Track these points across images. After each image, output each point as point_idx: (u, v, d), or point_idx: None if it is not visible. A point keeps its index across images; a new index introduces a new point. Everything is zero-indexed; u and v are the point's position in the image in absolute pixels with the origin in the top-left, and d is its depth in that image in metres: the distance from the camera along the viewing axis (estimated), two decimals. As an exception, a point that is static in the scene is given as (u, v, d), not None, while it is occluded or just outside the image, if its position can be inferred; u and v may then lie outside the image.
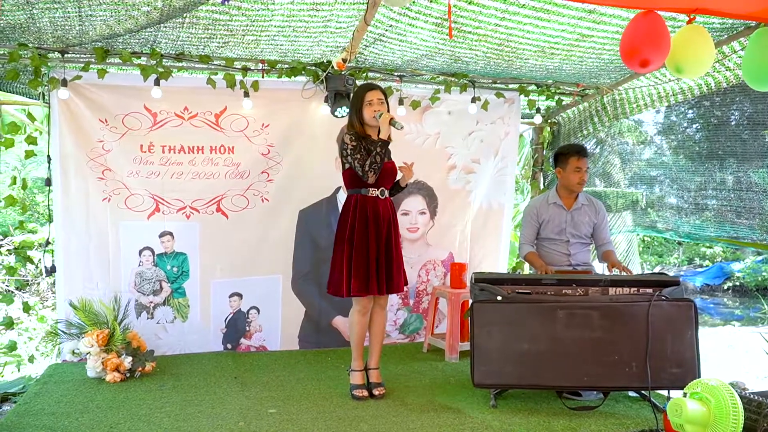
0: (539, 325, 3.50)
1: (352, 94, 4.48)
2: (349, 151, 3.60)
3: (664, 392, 3.57)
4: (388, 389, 3.87)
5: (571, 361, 3.46)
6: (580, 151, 4.24)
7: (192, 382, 4.03)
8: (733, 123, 4.70)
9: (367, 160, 3.55)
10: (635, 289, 3.60)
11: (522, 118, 5.34)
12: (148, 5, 3.41)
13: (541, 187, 5.68)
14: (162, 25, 3.72)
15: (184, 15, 3.61)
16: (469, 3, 3.50)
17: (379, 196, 3.67)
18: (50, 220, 4.33)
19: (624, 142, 5.93)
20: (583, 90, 5.06)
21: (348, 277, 3.58)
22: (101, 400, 3.67)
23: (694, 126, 5.14)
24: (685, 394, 2.90)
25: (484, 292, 3.62)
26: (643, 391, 3.62)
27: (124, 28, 3.74)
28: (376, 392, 3.75)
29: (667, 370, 3.42)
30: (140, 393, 3.81)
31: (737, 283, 11.68)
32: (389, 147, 3.70)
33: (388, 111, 3.69)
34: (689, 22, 2.95)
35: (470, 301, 4.88)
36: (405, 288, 3.85)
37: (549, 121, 5.58)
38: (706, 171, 4.83)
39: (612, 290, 3.60)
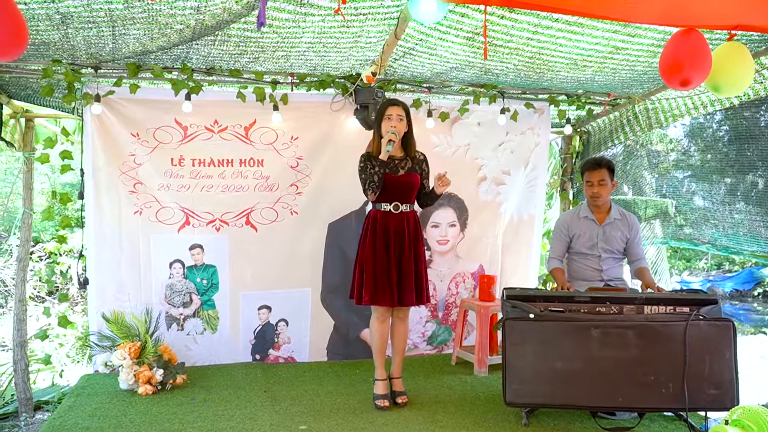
0: (573, 344, 3.46)
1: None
2: (359, 171, 3.80)
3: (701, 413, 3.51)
4: (417, 402, 3.87)
5: (605, 380, 3.41)
6: (588, 163, 4.22)
7: (222, 395, 4.05)
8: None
9: (368, 179, 3.69)
10: (671, 307, 3.54)
11: (552, 127, 5.27)
12: (181, 24, 3.42)
13: (571, 197, 5.61)
14: (194, 42, 3.73)
15: (216, 33, 3.62)
16: (502, 18, 3.46)
17: (392, 210, 3.76)
18: (81, 225, 4.37)
19: (655, 151, 5.85)
20: (614, 100, 4.98)
21: (360, 286, 3.75)
22: (134, 414, 3.70)
23: (730, 137, 5.02)
24: (726, 422, 2.84)
25: (516, 310, 3.58)
26: (680, 412, 3.56)
27: (157, 46, 3.76)
28: (399, 400, 3.84)
29: (705, 391, 3.36)
30: (172, 407, 3.84)
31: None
32: (422, 160, 3.81)
33: (409, 128, 3.80)
34: (729, 38, 2.88)
35: (499, 316, 4.87)
36: (428, 302, 3.92)
37: (578, 130, 5.50)
38: (744, 183, 4.73)
39: (647, 308, 3.54)
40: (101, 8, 3.15)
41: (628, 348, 3.42)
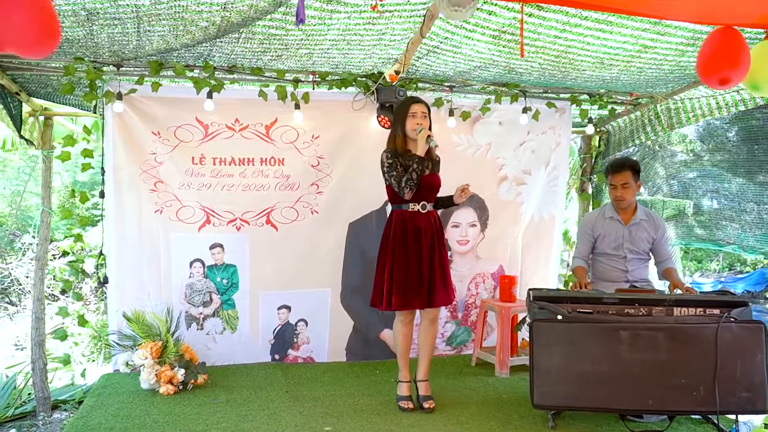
0: (602, 346, 3.42)
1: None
2: (386, 169, 3.66)
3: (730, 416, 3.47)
4: (440, 404, 3.83)
5: (635, 383, 3.37)
6: (613, 166, 4.15)
7: (244, 395, 4.02)
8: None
9: (404, 176, 3.57)
10: (701, 309, 3.49)
11: (573, 127, 5.23)
12: (207, 21, 3.40)
13: (591, 197, 5.57)
14: (218, 39, 3.71)
15: (241, 30, 3.59)
16: (530, 16, 3.43)
17: (420, 210, 3.67)
18: (94, 224, 4.35)
19: (675, 151, 5.80)
20: (636, 99, 4.94)
21: (389, 291, 3.62)
22: (157, 415, 3.67)
23: (754, 137, 4.97)
24: (765, 425, 2.80)
25: (544, 311, 3.55)
26: (709, 415, 3.52)
27: (181, 43, 3.73)
28: (426, 405, 3.75)
29: (736, 394, 3.32)
30: (194, 407, 3.81)
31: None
32: (438, 161, 3.76)
33: (430, 128, 3.70)
34: (767, 37, 2.84)
35: (519, 317, 4.83)
36: (453, 302, 3.84)
37: (598, 130, 5.46)
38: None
39: (677, 310, 3.50)
40: (128, 4, 3.13)
41: (658, 350, 3.38)
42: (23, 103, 4.37)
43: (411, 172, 3.54)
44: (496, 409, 3.87)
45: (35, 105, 4.49)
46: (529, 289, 3.75)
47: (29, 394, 4.84)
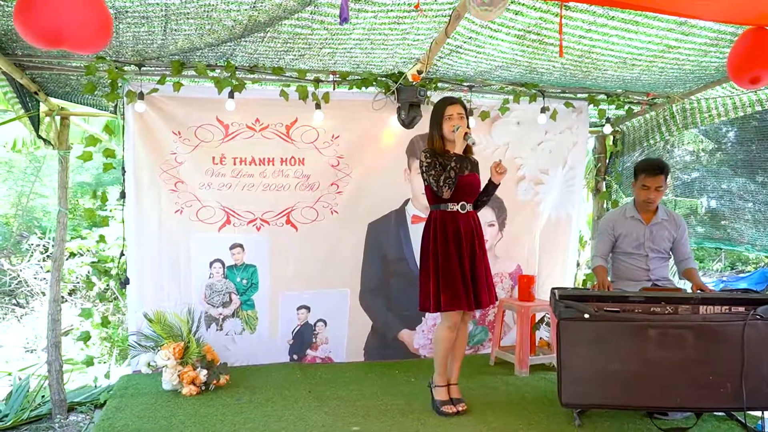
0: (629, 344, 3.43)
1: (426, 106, 4.46)
2: (424, 168, 3.62)
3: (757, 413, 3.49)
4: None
5: (663, 381, 3.38)
6: (650, 169, 4.09)
7: (267, 395, 4.01)
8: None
9: (442, 175, 3.53)
10: (726, 307, 3.51)
11: (589, 127, 5.25)
12: (234, 20, 3.39)
13: (605, 197, 5.58)
14: (242, 39, 3.70)
15: (267, 29, 3.59)
16: (556, 15, 3.44)
17: (459, 210, 3.64)
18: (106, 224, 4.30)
19: (688, 150, 5.83)
20: (652, 99, 4.96)
21: (437, 292, 3.56)
22: (183, 416, 3.66)
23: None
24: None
25: (570, 310, 3.55)
26: (733, 412, 3.54)
27: (205, 42, 3.73)
28: (459, 408, 3.72)
29: (762, 391, 3.34)
30: (219, 407, 3.80)
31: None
32: (476, 163, 3.70)
33: (468, 126, 3.67)
34: (798, 36, 2.86)
35: (537, 316, 4.84)
36: (497, 303, 3.81)
37: (613, 129, 5.48)
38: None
39: (702, 308, 3.52)
40: (158, 3, 3.13)
41: (686, 348, 3.39)
42: (41, 103, 4.34)
43: (449, 170, 3.51)
44: (520, 408, 3.88)
45: (52, 105, 4.47)
46: (553, 288, 3.76)
47: (43, 396, 4.81)
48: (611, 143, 5.53)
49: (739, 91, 4.44)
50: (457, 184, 3.56)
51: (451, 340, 3.67)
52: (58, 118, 4.54)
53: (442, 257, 3.57)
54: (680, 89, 4.68)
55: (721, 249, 9.72)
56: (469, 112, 4.63)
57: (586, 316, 3.49)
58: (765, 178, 5.13)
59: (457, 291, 3.53)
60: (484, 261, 3.68)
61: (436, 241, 3.61)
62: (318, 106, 4.38)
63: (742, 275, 12.52)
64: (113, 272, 4.38)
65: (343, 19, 2.34)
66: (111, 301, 6.89)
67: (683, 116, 4.98)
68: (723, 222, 5.32)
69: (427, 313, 4.77)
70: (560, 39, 2.68)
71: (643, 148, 5.37)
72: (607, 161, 5.57)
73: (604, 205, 5.54)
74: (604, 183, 5.57)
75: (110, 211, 6.70)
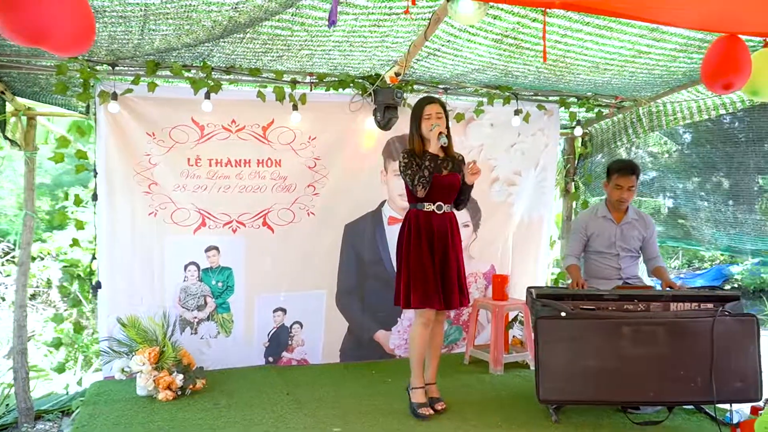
0: (605, 341, 3.53)
1: (402, 108, 4.49)
2: (402, 168, 3.67)
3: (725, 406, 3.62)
4: (442, 402, 3.87)
5: (636, 376, 3.50)
6: (623, 169, 4.22)
7: (245, 399, 3.98)
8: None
9: (417, 175, 3.57)
10: (696, 304, 3.64)
11: (561, 129, 5.37)
12: (214, 21, 3.36)
13: (575, 198, 5.70)
14: (221, 39, 3.67)
15: (246, 30, 3.57)
16: (533, 21, 3.51)
17: (435, 210, 3.67)
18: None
19: (649, 151, 6.00)
20: (620, 102, 5.09)
21: (407, 289, 3.61)
22: (161, 421, 3.61)
23: (730, 138, 5.17)
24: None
25: (547, 308, 3.63)
26: (701, 405, 3.67)
27: (182, 43, 3.68)
28: (438, 407, 3.75)
29: (731, 384, 3.47)
30: (197, 412, 3.76)
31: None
32: (461, 160, 3.75)
33: (447, 125, 3.71)
34: (766, 45, 2.98)
35: (511, 315, 4.92)
36: (469, 305, 3.85)
37: (583, 132, 5.60)
38: (743, 183, 4.89)
39: (673, 306, 3.64)
40: (138, 2, 3.07)
41: (659, 344, 3.51)
42: (7, 103, 4.22)
43: (423, 169, 3.54)
44: (497, 405, 3.94)
45: (18, 105, 4.35)
46: (530, 287, 3.84)
47: (8, 405, 4.68)
48: (580, 145, 5.65)
49: (704, 95, 4.60)
50: (433, 184, 3.59)
51: (426, 338, 3.69)
52: (24, 118, 4.43)
53: (414, 256, 3.61)
54: (648, 93, 4.82)
55: (679, 247, 10.02)
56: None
57: (563, 314, 3.58)
58: (719, 179, 5.33)
59: (427, 290, 3.57)
60: (457, 262, 3.72)
61: (409, 239, 3.65)
62: (295, 108, 4.36)
63: (698, 272, 12.94)
64: (87, 276, 4.28)
65: (332, 22, 2.35)
66: (76, 306, 6.73)
67: (649, 119, 5.13)
68: (681, 221, 5.49)
69: (402, 314, 4.83)
70: (543, 45, 2.73)
71: (611, 150, 5.50)
72: (576, 162, 5.69)
73: (573, 206, 5.65)
74: (572, 184, 5.69)
75: (72, 213, 6.55)
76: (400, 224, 3.80)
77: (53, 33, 1.98)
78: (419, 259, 3.60)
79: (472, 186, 3.76)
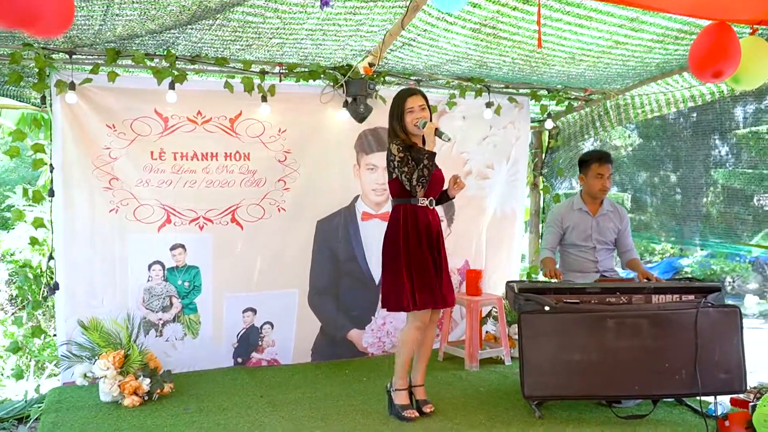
0: (589, 335, 3.48)
1: (374, 100, 4.37)
2: (396, 163, 3.43)
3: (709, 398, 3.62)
4: (422, 401, 3.77)
5: (621, 370, 3.46)
6: (602, 158, 4.24)
7: (216, 403, 3.80)
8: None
9: (415, 173, 3.39)
10: (677, 296, 3.64)
11: (531, 122, 5.34)
12: (182, 6, 3.17)
13: (546, 191, 5.68)
14: (188, 26, 3.48)
15: (216, 17, 3.39)
16: (513, 9, 3.44)
17: (429, 206, 3.52)
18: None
19: (615, 146, 6.05)
20: (589, 95, 5.09)
21: (412, 290, 3.40)
22: (129, 429, 3.41)
23: (689, 132, 5.24)
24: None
25: (530, 303, 3.57)
26: (684, 397, 3.67)
27: (146, 29, 3.48)
28: (426, 409, 3.61)
29: (715, 376, 3.46)
30: (167, 418, 3.56)
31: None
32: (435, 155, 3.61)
33: (431, 119, 3.55)
34: (752, 33, 2.98)
35: (484, 311, 4.85)
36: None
37: (554, 125, 5.59)
38: (704, 177, 4.97)
39: (655, 298, 3.63)
40: (102, -16, 2.88)
41: (642, 337, 3.47)
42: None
43: (422, 168, 3.36)
44: (478, 402, 3.87)
45: (-36, 96, 4.06)
46: (509, 282, 3.78)
47: (-45, 414, 4.38)
48: (549, 138, 5.64)
49: (673, 88, 4.63)
50: (431, 180, 3.45)
51: (419, 341, 3.55)
52: (-30, 110, 4.14)
53: (415, 254, 3.43)
54: (618, 85, 4.82)
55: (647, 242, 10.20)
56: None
57: (547, 308, 3.53)
58: (667, 173, 5.41)
59: (432, 289, 3.42)
60: (446, 260, 3.61)
61: (407, 237, 3.44)
62: (264, 99, 4.19)
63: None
64: (43, 278, 4.02)
65: (324, 3, 2.21)
66: (23, 308, 6.38)
67: (617, 112, 5.15)
68: (643, 215, 5.56)
69: (377, 312, 4.71)
70: (539, 31, 2.66)
71: (577, 144, 5.51)
72: (544, 156, 5.67)
73: (545, 200, 5.64)
74: (541, 177, 5.68)
75: (27, 211, 6.19)
76: (390, 219, 3.58)
77: (43, 13, 1.81)
78: (422, 258, 3.42)
79: (452, 199, 3.73)
